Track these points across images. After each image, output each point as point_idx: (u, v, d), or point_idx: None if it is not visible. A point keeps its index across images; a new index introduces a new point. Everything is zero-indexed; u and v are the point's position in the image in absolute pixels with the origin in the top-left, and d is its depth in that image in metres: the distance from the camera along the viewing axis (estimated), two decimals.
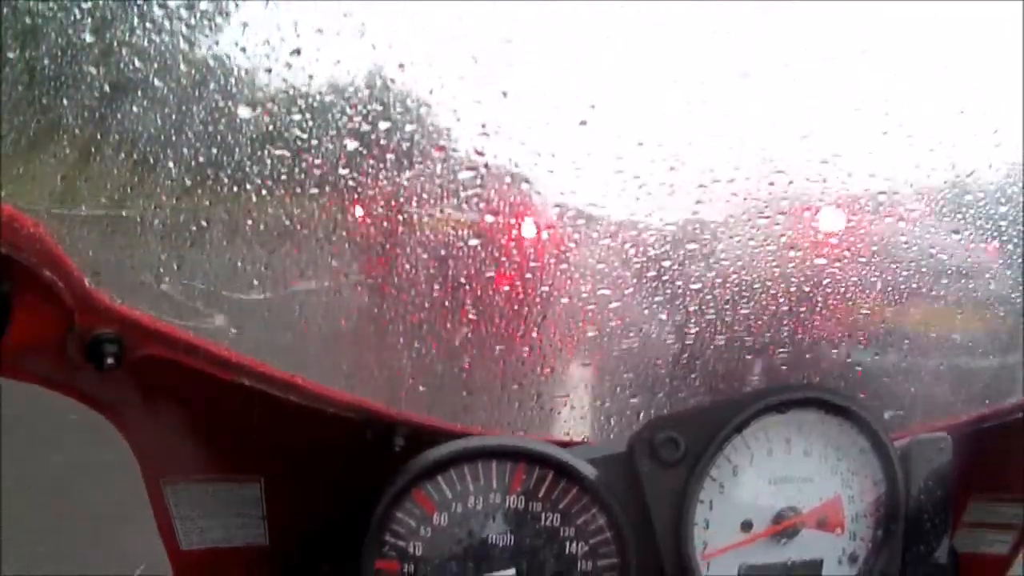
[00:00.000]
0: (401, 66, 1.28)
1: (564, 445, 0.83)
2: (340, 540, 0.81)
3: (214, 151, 1.35)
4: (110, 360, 0.63)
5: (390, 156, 1.41)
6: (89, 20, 1.26)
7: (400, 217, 1.44)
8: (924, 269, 1.58)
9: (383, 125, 1.38)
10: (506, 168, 1.40)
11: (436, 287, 1.47)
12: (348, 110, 1.39)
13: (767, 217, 1.51)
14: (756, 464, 0.82)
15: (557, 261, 1.57)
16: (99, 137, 1.34)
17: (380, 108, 1.35)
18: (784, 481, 0.83)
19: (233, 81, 1.31)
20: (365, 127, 1.38)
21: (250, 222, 1.40)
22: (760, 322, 1.50)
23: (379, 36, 1.28)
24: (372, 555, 0.75)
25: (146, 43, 1.27)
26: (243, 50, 1.31)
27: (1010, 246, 1.55)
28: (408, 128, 1.38)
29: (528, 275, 1.64)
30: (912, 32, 1.50)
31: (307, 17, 1.27)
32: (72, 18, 1.26)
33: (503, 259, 1.54)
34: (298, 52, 1.30)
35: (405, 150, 1.40)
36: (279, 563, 0.85)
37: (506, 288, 1.54)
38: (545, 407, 1.37)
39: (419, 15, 1.28)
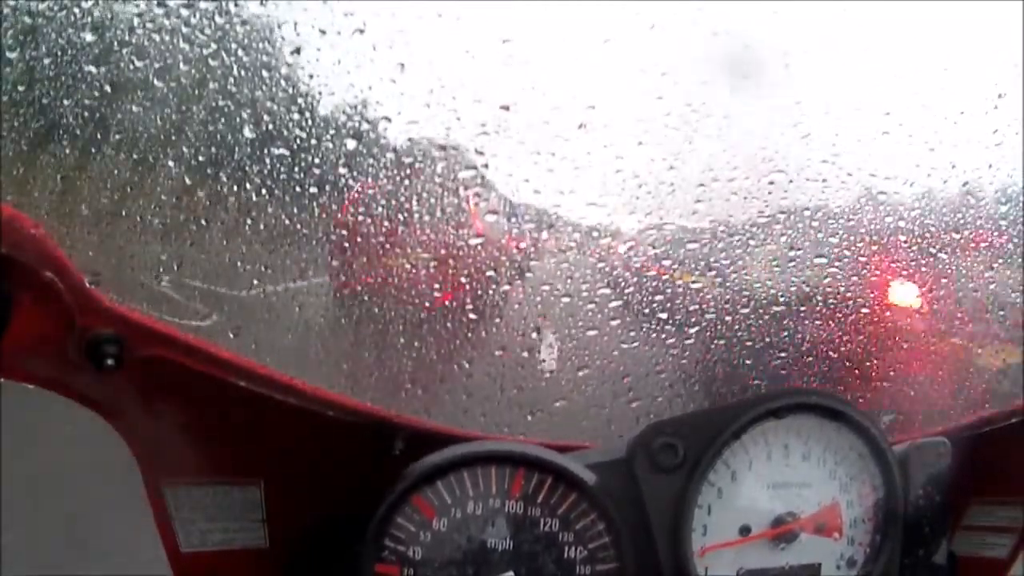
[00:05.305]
0: (401, 66, 1.28)
1: (563, 450, 0.82)
2: (340, 543, 0.81)
3: (214, 151, 1.35)
4: (109, 360, 0.63)
5: (390, 155, 1.41)
6: (89, 20, 1.26)
7: (400, 217, 1.44)
8: (924, 269, 1.58)
9: (383, 125, 1.38)
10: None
11: (436, 287, 1.47)
12: (348, 109, 1.38)
13: (767, 217, 1.51)
14: (754, 469, 0.82)
15: (558, 260, 1.57)
16: (99, 137, 1.34)
17: (379, 107, 1.35)
18: (782, 486, 0.83)
19: (233, 80, 1.30)
20: (365, 126, 1.38)
21: (250, 221, 1.40)
22: (760, 323, 1.50)
23: (379, 36, 1.28)
24: (372, 559, 0.75)
25: (146, 42, 1.27)
26: (243, 49, 1.31)
27: (1010, 246, 1.55)
28: (407, 128, 1.38)
29: (529, 274, 1.64)
30: (912, 32, 1.50)
31: (307, 17, 1.27)
32: (72, 18, 1.25)
33: (503, 258, 1.54)
34: (298, 52, 1.30)
35: (405, 149, 1.40)
36: (278, 566, 0.85)
37: (506, 287, 1.54)
38: (544, 411, 1.37)
39: (418, 15, 1.28)
